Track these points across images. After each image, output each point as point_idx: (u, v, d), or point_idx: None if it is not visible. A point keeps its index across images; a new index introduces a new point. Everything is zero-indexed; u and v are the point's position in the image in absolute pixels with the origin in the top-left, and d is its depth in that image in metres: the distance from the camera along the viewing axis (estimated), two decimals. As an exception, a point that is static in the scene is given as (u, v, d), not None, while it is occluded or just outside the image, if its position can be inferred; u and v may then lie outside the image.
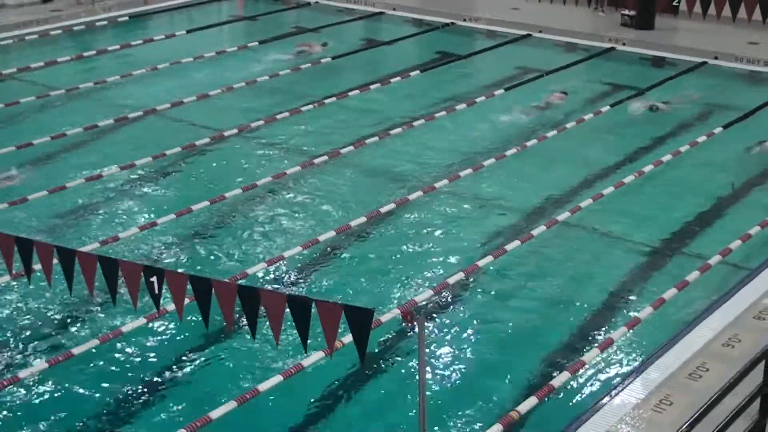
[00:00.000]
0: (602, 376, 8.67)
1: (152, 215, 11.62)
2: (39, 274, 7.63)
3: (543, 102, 15.66)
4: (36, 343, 9.21)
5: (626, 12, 19.43)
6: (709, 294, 9.87)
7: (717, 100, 15.94)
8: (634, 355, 8.93)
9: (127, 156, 13.23)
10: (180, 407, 8.32)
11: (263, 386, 8.16)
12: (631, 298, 10.11)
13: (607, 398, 7.96)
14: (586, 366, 8.64)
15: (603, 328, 9.48)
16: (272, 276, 10.42)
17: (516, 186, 12.79)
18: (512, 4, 21.08)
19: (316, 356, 8.30)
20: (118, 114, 14.93)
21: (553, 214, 11.65)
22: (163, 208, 11.86)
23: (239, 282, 8.78)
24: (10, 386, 8.35)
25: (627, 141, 14.16)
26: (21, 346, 9.15)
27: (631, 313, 9.52)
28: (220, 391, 8.31)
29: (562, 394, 8.31)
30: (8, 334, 9.32)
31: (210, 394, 8.33)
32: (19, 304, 9.77)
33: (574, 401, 8.29)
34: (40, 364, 8.61)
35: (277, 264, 10.52)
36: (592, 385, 8.53)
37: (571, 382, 8.43)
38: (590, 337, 9.33)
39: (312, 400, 8.46)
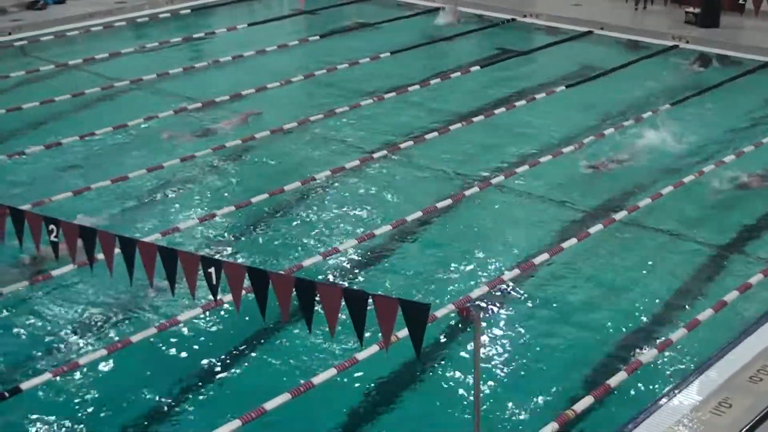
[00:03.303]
0: (660, 377, 8.54)
1: (212, 207, 11.72)
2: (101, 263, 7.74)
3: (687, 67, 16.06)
4: (96, 330, 9.36)
5: (690, 9, 19.15)
6: (771, 296, 9.71)
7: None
8: (693, 356, 8.78)
9: (187, 147, 13.38)
10: (234, 397, 8.37)
11: (317, 379, 8.17)
12: (691, 299, 9.96)
13: (664, 399, 7.87)
14: (644, 366, 8.53)
15: (662, 329, 9.35)
16: (327, 268, 10.44)
17: (574, 184, 12.67)
18: (574, 0, 20.90)
19: (371, 350, 8.30)
20: (179, 106, 15.11)
21: (610, 213, 11.52)
22: (223, 199, 11.97)
23: (294, 274, 8.82)
24: (70, 372, 8.50)
25: (686, 140, 13.94)
26: (81, 333, 9.30)
27: (691, 315, 9.37)
28: (275, 383, 8.34)
29: (618, 394, 8.21)
30: (69, 321, 9.48)
31: (264, 386, 8.35)
32: (81, 293, 9.93)
33: (630, 401, 8.18)
34: (99, 350, 8.75)
35: (333, 257, 10.55)
36: (649, 385, 8.41)
37: (628, 382, 8.33)
38: (648, 337, 9.21)
39: (366, 394, 8.47)
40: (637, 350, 8.96)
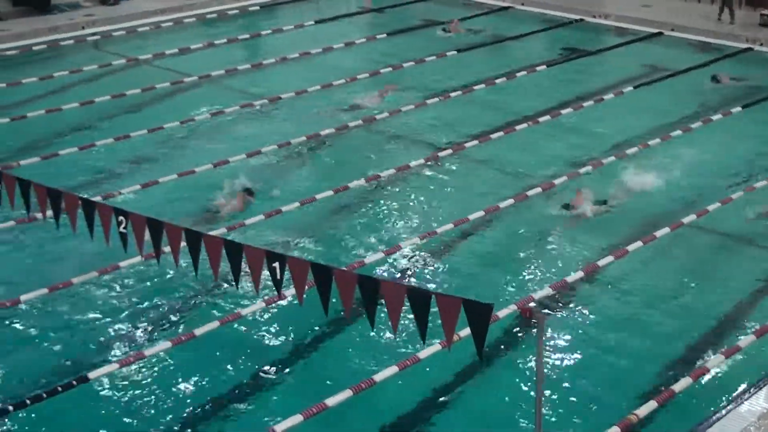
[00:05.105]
0: (726, 384, 8.39)
1: (277, 203, 11.79)
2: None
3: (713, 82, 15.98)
4: (161, 322, 9.47)
5: (766, 12, 18.79)
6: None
7: None
8: (761, 363, 8.62)
9: (252, 143, 13.48)
10: (296, 392, 8.42)
11: (379, 376, 8.19)
12: (761, 305, 9.77)
13: (730, 406, 7.74)
14: (710, 372, 8.40)
15: (729, 335, 9.19)
16: (389, 265, 10.45)
17: (638, 186, 12.48)
18: (644, 2, 20.63)
19: (433, 348, 8.28)
20: (245, 101, 15.23)
21: (678, 216, 11.35)
22: (288, 195, 12.03)
23: (356, 270, 8.83)
24: (136, 363, 8.63)
25: (758, 144, 13.69)
26: (147, 325, 9.42)
27: (761, 321, 9.19)
28: (336, 379, 8.38)
29: (683, 400, 8.09)
30: (136, 314, 9.61)
31: (326, 381, 8.41)
32: (148, 285, 10.05)
33: (695, 408, 8.06)
34: (164, 343, 8.86)
35: (395, 254, 10.55)
36: (715, 391, 8.28)
37: (694, 388, 8.20)
38: (715, 343, 9.06)
39: (427, 392, 8.45)
40: (704, 356, 8.81)
